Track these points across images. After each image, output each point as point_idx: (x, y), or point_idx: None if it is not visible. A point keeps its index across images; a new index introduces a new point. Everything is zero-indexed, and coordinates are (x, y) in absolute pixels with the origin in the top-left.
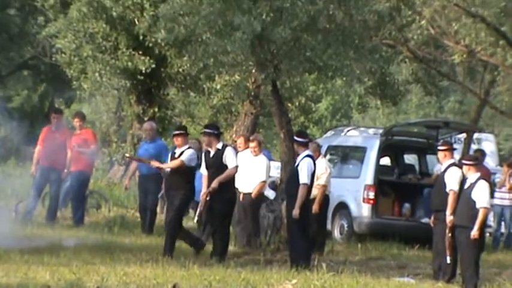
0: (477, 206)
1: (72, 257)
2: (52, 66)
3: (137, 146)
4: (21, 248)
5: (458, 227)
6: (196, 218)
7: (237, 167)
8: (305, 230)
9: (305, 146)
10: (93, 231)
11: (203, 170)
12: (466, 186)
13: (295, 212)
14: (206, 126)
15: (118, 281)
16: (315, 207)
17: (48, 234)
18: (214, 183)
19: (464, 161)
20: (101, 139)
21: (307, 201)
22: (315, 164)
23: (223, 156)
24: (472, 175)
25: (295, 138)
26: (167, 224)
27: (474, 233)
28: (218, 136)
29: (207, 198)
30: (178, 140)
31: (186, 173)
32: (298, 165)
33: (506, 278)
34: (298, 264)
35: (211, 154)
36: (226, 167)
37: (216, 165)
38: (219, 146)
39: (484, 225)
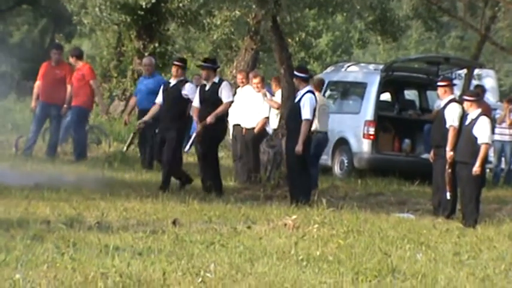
0: (479, 142)
1: (73, 192)
2: (52, 1)
3: (137, 81)
4: (22, 183)
5: (459, 163)
6: (186, 148)
7: (232, 102)
8: (305, 165)
9: (306, 81)
10: (93, 166)
11: (196, 103)
12: (467, 122)
13: (299, 147)
14: (204, 61)
15: (118, 216)
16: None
17: (48, 169)
18: (211, 118)
19: (465, 97)
20: (101, 74)
21: (309, 137)
22: (316, 100)
23: (219, 90)
24: (473, 111)
25: (296, 73)
26: (165, 164)
27: (476, 169)
28: (215, 70)
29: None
30: (174, 71)
31: (182, 107)
32: (300, 100)
33: (506, 213)
34: (298, 200)
35: (207, 88)
36: (220, 101)
37: (211, 99)
38: (216, 80)
39: (485, 161)
